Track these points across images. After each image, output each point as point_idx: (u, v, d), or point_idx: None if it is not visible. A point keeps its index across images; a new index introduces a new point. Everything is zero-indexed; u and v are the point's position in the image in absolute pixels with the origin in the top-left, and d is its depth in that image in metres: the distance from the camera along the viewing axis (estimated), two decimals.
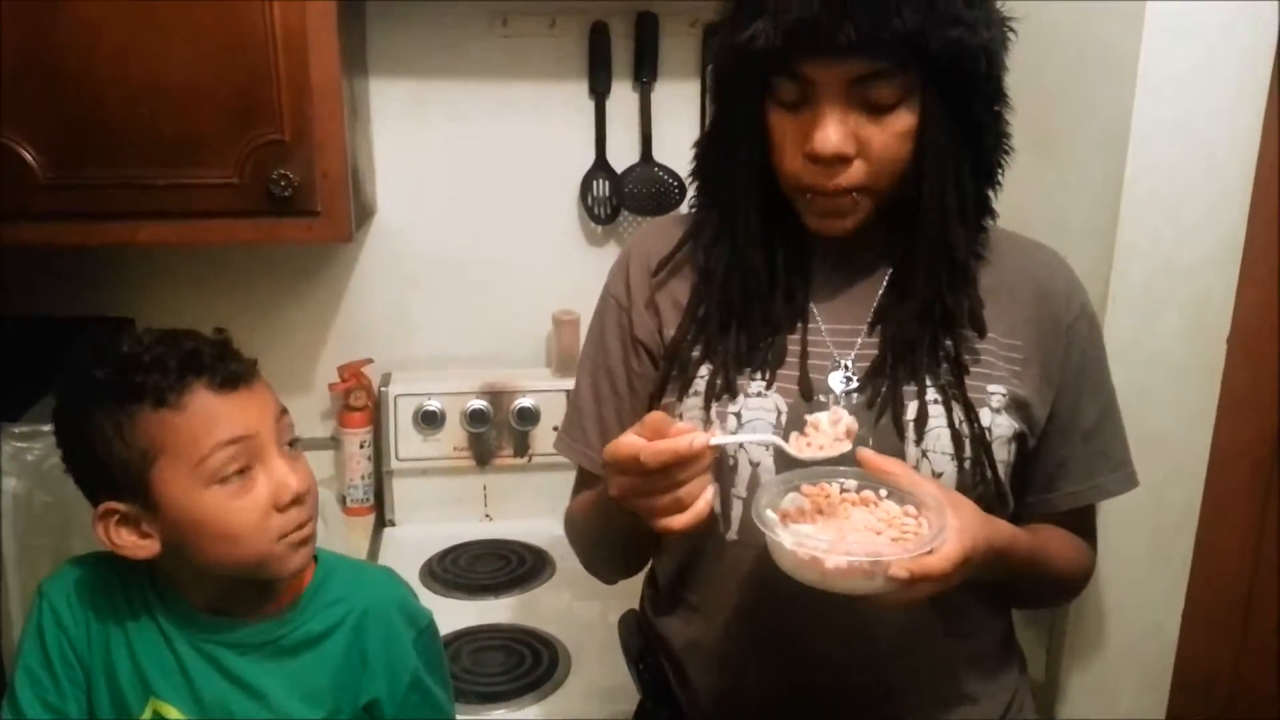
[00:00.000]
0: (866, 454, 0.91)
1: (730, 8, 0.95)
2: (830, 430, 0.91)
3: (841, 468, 0.92)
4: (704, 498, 0.87)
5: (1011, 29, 0.96)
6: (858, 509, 0.91)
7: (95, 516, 0.95)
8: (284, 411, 0.99)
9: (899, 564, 0.83)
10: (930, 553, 0.84)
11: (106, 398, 0.92)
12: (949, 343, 0.99)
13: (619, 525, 0.97)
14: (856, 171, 0.94)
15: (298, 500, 0.95)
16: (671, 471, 0.85)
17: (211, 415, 0.92)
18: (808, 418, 0.93)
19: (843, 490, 0.92)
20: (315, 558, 1.04)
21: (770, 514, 0.88)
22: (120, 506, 0.94)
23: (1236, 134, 1.21)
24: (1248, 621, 1.38)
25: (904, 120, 0.93)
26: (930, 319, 0.99)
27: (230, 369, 0.94)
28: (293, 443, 0.99)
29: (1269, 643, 1.36)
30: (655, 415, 0.87)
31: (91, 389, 0.93)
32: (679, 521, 0.86)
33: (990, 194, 1.01)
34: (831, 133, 0.92)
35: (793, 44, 0.90)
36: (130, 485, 0.93)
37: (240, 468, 0.93)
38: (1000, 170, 1.01)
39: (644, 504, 0.87)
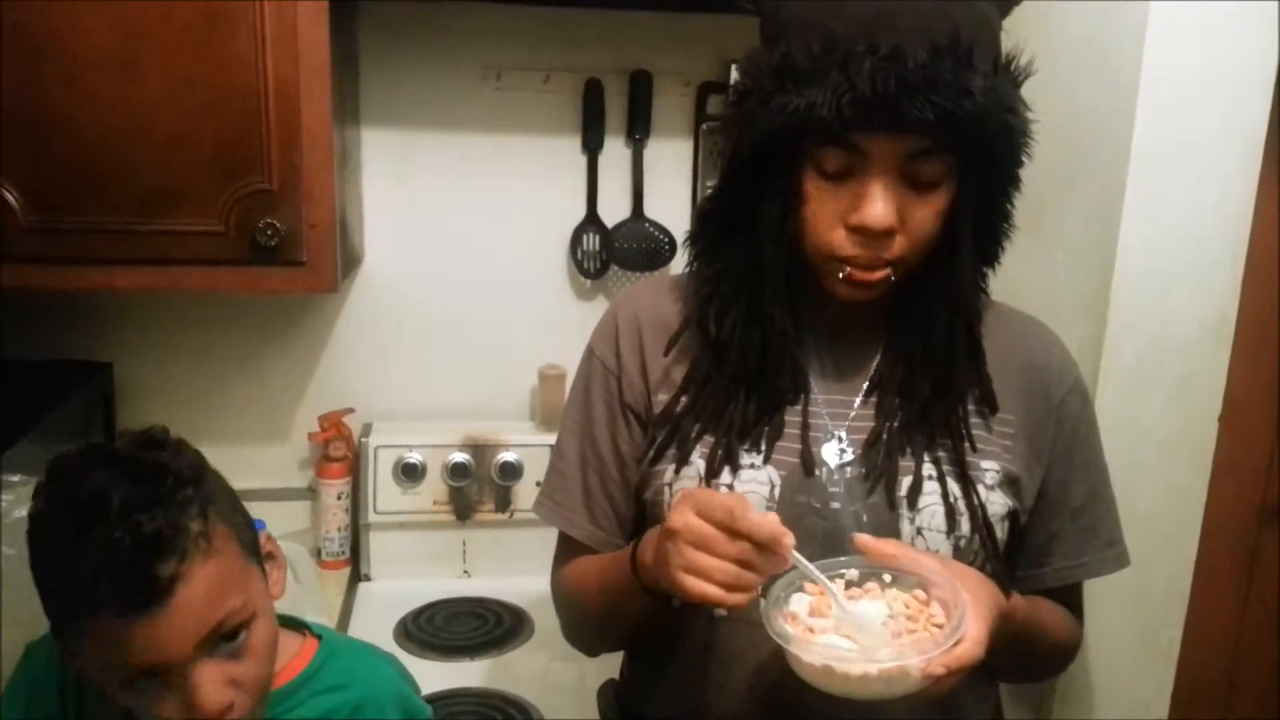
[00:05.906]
0: (864, 539, 0.90)
1: (768, 72, 0.91)
2: (877, 633, 0.86)
3: (841, 558, 0.91)
4: (753, 592, 0.85)
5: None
6: (867, 601, 0.89)
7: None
8: (222, 621, 0.85)
9: (934, 661, 0.82)
10: (958, 642, 0.83)
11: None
12: (954, 419, 0.99)
13: (635, 598, 0.96)
14: (897, 245, 0.94)
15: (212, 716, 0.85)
16: (749, 547, 0.84)
17: (115, 643, 0.82)
18: (859, 621, 0.87)
19: (848, 585, 0.90)
20: (318, 636, 1.01)
21: (785, 626, 0.86)
22: None
23: (1226, 212, 1.21)
24: (1235, 699, 1.36)
25: (943, 198, 0.93)
26: (941, 393, 0.98)
27: (136, 594, 0.81)
28: (236, 632, 0.87)
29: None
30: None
31: (47, 538, 0.85)
32: (728, 598, 0.84)
33: (989, 273, 1.03)
34: (881, 206, 0.91)
35: (860, 117, 0.87)
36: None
37: (151, 686, 0.85)
38: (1001, 252, 1.02)
39: (701, 560, 0.84)
